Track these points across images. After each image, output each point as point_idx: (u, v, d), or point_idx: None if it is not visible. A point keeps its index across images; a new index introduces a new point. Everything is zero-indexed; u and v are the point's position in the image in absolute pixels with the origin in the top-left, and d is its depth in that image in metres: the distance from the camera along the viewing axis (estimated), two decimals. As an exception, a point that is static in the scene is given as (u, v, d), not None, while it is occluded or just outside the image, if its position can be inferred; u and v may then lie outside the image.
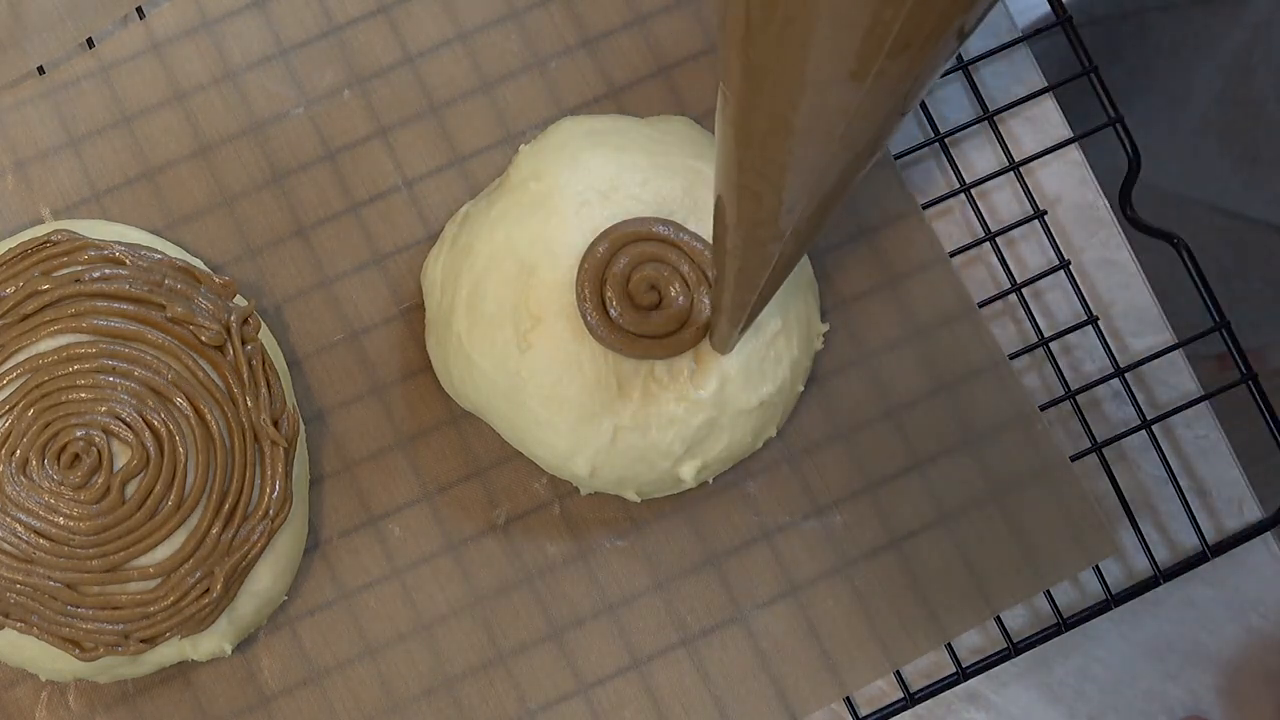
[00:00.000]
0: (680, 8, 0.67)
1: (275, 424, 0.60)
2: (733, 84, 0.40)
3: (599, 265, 0.58)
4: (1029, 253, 0.68)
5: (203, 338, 0.59)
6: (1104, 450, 0.65)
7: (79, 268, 0.59)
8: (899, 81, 0.37)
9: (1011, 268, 0.67)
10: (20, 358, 0.58)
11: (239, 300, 0.62)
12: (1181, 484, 0.66)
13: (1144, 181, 0.67)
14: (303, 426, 0.62)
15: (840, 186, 0.43)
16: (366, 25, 0.66)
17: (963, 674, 0.64)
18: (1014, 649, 0.64)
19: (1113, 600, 0.64)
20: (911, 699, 0.64)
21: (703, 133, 0.64)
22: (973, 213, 0.67)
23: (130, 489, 0.58)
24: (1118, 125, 0.67)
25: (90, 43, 0.66)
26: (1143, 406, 0.66)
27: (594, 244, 0.58)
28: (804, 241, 0.47)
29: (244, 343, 0.60)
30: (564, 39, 0.67)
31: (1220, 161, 0.95)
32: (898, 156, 0.67)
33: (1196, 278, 0.66)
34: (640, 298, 0.59)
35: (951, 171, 0.67)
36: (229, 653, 0.61)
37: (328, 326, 0.65)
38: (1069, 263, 0.66)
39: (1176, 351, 0.67)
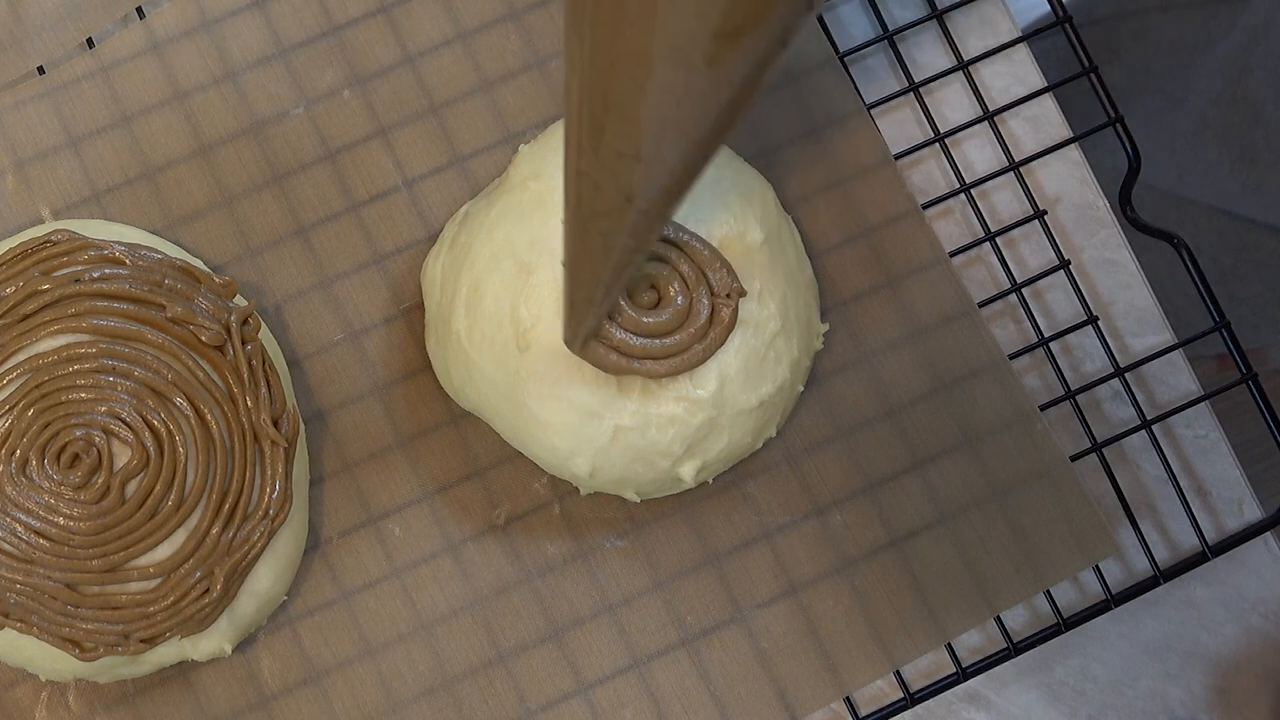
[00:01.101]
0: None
1: (275, 424, 0.60)
2: (572, 67, 0.39)
3: None
4: (1029, 253, 0.68)
5: (203, 338, 0.59)
6: (1104, 450, 0.65)
7: (79, 268, 0.59)
8: (734, 71, 0.36)
9: (1011, 268, 0.67)
10: (20, 358, 0.58)
11: (239, 300, 0.62)
12: (1181, 484, 0.66)
13: (1144, 182, 0.68)
14: (303, 426, 0.62)
15: (681, 179, 0.42)
16: (366, 25, 0.66)
17: (963, 674, 0.64)
18: (1014, 649, 0.64)
19: (1113, 600, 0.64)
20: (911, 699, 0.64)
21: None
22: (973, 213, 0.67)
23: (130, 489, 0.58)
24: (1118, 125, 0.67)
25: (90, 43, 0.66)
26: (1143, 406, 0.66)
27: None
28: (644, 234, 0.46)
29: (244, 343, 0.60)
30: (564, 39, 0.67)
31: (1219, 162, 0.95)
32: (898, 157, 0.67)
33: (1196, 278, 0.66)
34: (640, 298, 0.59)
35: (951, 171, 0.67)
36: (229, 653, 0.61)
37: (328, 326, 0.65)
38: (1069, 263, 0.66)
39: (1176, 351, 0.67)
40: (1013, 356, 0.66)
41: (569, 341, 0.57)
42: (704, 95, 0.37)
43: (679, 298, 0.59)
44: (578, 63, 0.39)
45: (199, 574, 0.58)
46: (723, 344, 0.59)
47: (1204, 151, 0.96)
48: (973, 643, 0.65)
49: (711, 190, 0.60)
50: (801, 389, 0.63)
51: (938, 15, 0.68)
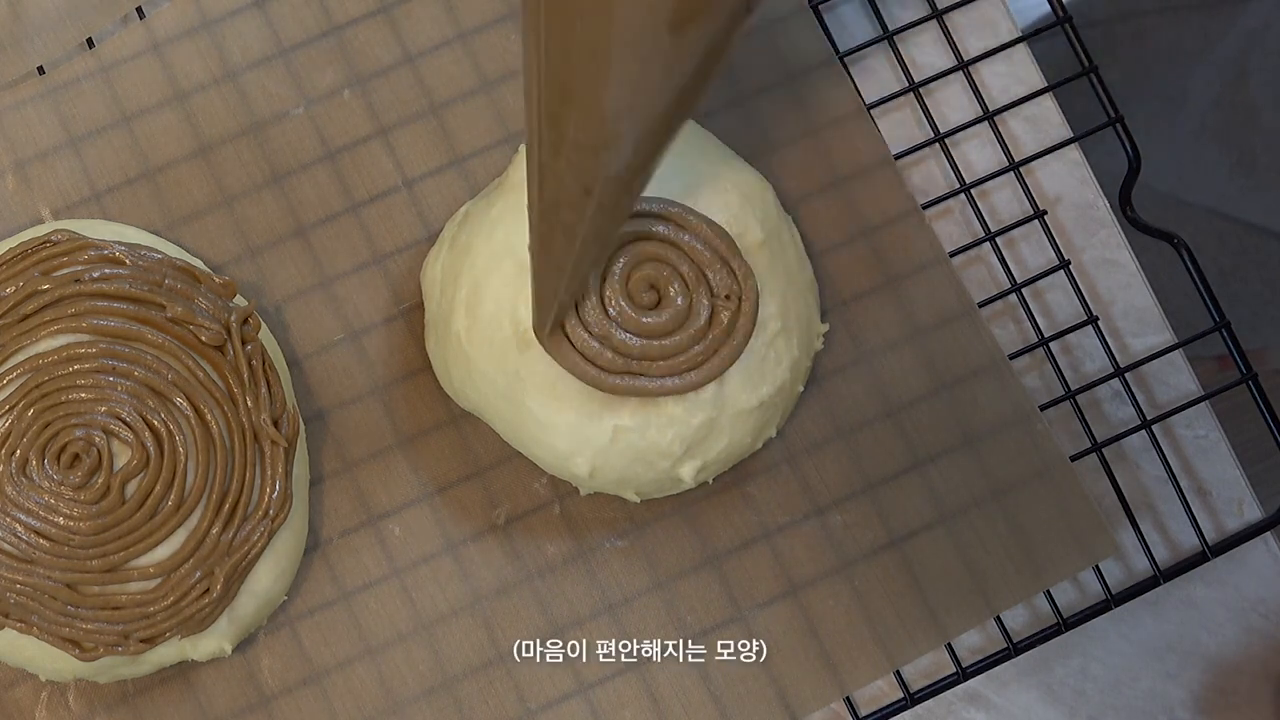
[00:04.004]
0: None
1: (275, 424, 0.60)
2: (530, 61, 0.40)
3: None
4: (1029, 253, 0.68)
5: (203, 338, 0.59)
6: (1104, 450, 0.65)
7: (79, 268, 0.59)
8: (688, 60, 0.36)
9: (1011, 268, 0.67)
10: (20, 358, 0.58)
11: (239, 300, 0.62)
12: (1181, 484, 0.66)
13: (1143, 184, 0.68)
14: (303, 426, 0.62)
15: (638, 169, 0.43)
16: (366, 25, 0.66)
17: (963, 674, 0.64)
18: (1014, 649, 0.64)
19: (1113, 600, 0.64)
20: (911, 699, 0.64)
21: (702, 133, 0.64)
22: (973, 213, 0.67)
23: (130, 489, 0.58)
24: (1117, 125, 0.67)
25: (90, 43, 0.66)
26: (1143, 406, 0.66)
27: None
28: (604, 226, 0.47)
29: (244, 343, 0.60)
30: (564, 39, 0.67)
31: (1217, 165, 0.96)
32: (898, 157, 0.67)
33: (1196, 278, 0.66)
34: (640, 298, 0.59)
35: (951, 171, 0.67)
36: (229, 653, 0.60)
37: (328, 326, 0.65)
38: (1069, 263, 0.66)
39: (1176, 351, 0.67)
40: (1013, 356, 0.66)
41: (537, 330, 0.57)
42: (661, 84, 0.38)
43: (679, 298, 0.59)
44: (535, 57, 0.39)
45: (199, 574, 0.58)
46: (735, 361, 0.59)
47: (1203, 154, 0.96)
48: (973, 643, 0.65)
49: (711, 189, 0.60)
50: (801, 389, 0.63)
51: (938, 15, 0.68)
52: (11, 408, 0.58)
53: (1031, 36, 0.69)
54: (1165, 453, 0.66)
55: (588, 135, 0.41)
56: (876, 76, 0.69)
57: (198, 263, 0.63)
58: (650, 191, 0.60)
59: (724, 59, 0.38)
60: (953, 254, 0.66)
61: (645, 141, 0.41)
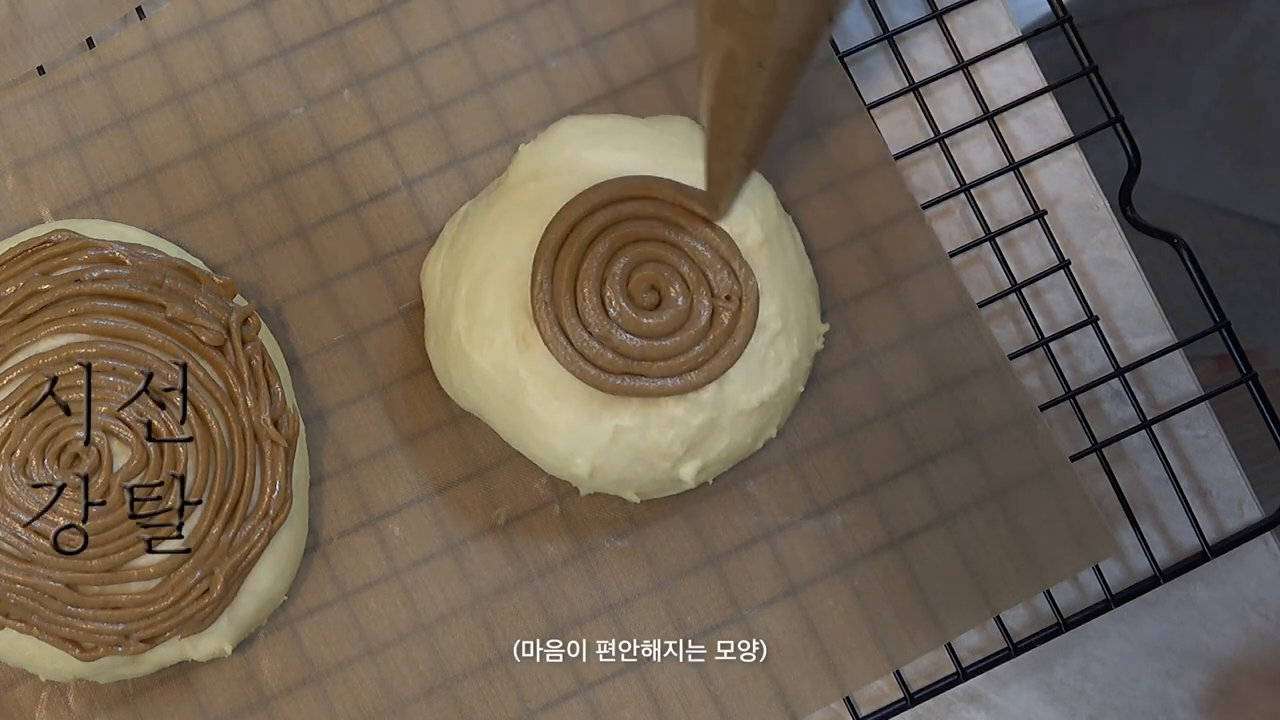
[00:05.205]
0: (680, 8, 0.67)
1: (275, 424, 0.60)
2: None
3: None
4: (1029, 253, 0.68)
5: (203, 338, 0.59)
6: (1104, 450, 0.65)
7: (79, 268, 0.59)
8: None
9: (1011, 268, 0.67)
10: (20, 358, 0.58)
11: (239, 300, 0.62)
12: (1181, 484, 0.66)
13: (1144, 181, 0.68)
14: (303, 426, 0.62)
15: (807, 37, 0.45)
16: (366, 25, 0.66)
17: (963, 674, 0.64)
18: (1014, 649, 0.64)
19: (1113, 600, 0.64)
20: (911, 699, 0.64)
21: (702, 133, 0.64)
22: (973, 213, 0.67)
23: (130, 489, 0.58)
24: (1118, 125, 0.67)
25: (90, 43, 0.66)
26: (1143, 406, 0.66)
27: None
28: (777, 99, 0.49)
29: (244, 343, 0.60)
30: (564, 39, 0.67)
31: (1221, 162, 0.95)
32: (898, 157, 0.67)
33: (1196, 278, 0.66)
34: (640, 299, 0.59)
35: (951, 171, 0.67)
36: (229, 653, 0.61)
37: (328, 326, 0.65)
38: (1069, 263, 0.66)
39: (1176, 351, 0.67)
40: (1013, 356, 0.66)
41: (713, 209, 0.58)
42: None
43: (679, 299, 0.59)
44: None
45: (199, 574, 0.58)
46: (735, 361, 0.59)
47: (1206, 151, 0.96)
48: (973, 643, 0.65)
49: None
50: (801, 389, 0.63)
51: (938, 15, 0.68)
52: (11, 408, 0.58)
53: (1031, 37, 0.69)
54: (1165, 453, 0.66)
55: (758, 3, 0.43)
56: (876, 76, 0.68)
57: (198, 263, 0.63)
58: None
59: None
60: (953, 254, 0.66)
61: (816, 8, 0.43)
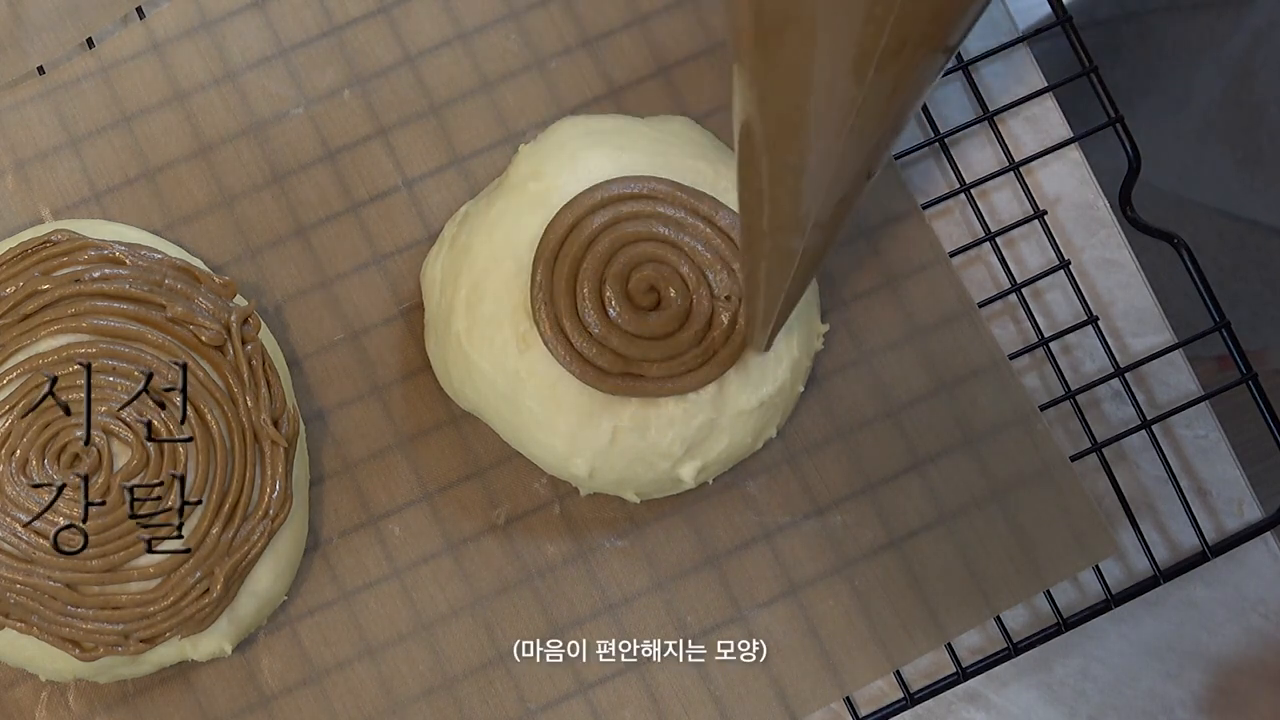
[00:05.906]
0: (680, 8, 0.67)
1: (275, 424, 0.60)
2: (745, 89, 0.42)
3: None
4: (1029, 253, 0.68)
5: (203, 338, 0.59)
6: (1104, 450, 0.65)
7: (79, 268, 0.59)
8: (898, 80, 0.38)
9: (1011, 268, 0.67)
10: (20, 358, 0.58)
11: (239, 300, 0.62)
12: (1181, 484, 0.66)
13: (1144, 182, 0.67)
14: (303, 426, 0.62)
15: (852, 187, 0.44)
16: (366, 25, 0.66)
17: (963, 674, 0.64)
18: (1014, 649, 0.64)
19: (1113, 600, 0.64)
20: (911, 699, 0.64)
21: (703, 133, 0.64)
22: (973, 213, 0.67)
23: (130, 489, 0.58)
24: (1118, 125, 0.67)
25: (90, 43, 0.66)
26: (1143, 406, 0.66)
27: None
28: (826, 240, 0.48)
29: (244, 343, 0.60)
30: (564, 39, 0.67)
31: (1221, 163, 0.95)
32: (898, 157, 0.67)
33: (1196, 278, 0.66)
34: (640, 299, 0.59)
35: (951, 171, 0.67)
36: (229, 653, 0.61)
37: (328, 326, 0.65)
38: (1069, 263, 0.66)
39: (1176, 351, 0.67)
40: (1013, 356, 0.66)
41: (755, 347, 0.58)
42: (866, 106, 0.40)
43: (678, 299, 0.59)
44: (748, 86, 0.42)
45: (199, 574, 0.58)
46: (735, 361, 0.59)
47: (1207, 152, 0.96)
48: (973, 643, 0.65)
49: (711, 189, 0.60)
50: (801, 389, 0.63)
51: (938, 15, 0.68)
52: (11, 408, 0.58)
53: (1032, 37, 0.69)
54: (1165, 453, 0.66)
55: (798, 155, 0.43)
56: (876, 76, 0.68)
57: (198, 263, 0.63)
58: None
59: (920, 98, 0.41)
60: (953, 254, 0.66)
61: (861, 163, 0.43)
